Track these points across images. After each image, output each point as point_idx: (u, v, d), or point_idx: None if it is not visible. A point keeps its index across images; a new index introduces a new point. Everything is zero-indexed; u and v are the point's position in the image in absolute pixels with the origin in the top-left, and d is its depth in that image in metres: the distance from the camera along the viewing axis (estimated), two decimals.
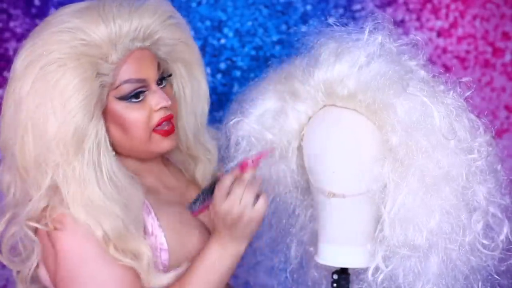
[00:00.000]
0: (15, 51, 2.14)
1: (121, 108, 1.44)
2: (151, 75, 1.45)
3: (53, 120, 1.36)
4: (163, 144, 1.48)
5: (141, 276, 1.41)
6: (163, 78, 1.50)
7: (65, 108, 1.36)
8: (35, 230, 1.43)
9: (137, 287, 1.40)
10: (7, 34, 2.15)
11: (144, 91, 1.45)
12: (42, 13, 2.15)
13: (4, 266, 2.04)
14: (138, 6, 1.45)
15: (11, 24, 2.15)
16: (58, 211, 1.39)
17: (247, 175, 1.42)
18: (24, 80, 1.38)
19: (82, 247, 1.38)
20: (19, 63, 1.40)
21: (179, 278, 1.43)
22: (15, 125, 1.39)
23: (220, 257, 1.42)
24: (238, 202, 1.40)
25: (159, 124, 1.46)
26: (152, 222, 1.46)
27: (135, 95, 1.44)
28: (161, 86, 1.49)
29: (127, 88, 1.43)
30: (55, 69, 1.37)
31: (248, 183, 1.41)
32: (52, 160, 1.37)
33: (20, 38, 2.15)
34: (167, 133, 1.48)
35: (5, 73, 2.17)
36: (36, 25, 2.11)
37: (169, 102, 1.46)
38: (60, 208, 1.39)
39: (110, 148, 1.43)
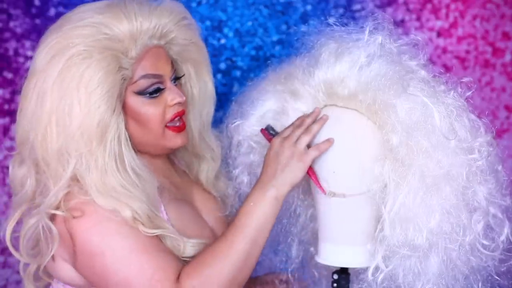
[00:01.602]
0: (15, 51, 2.15)
1: (138, 102, 1.48)
2: (167, 71, 1.51)
3: (78, 110, 1.40)
4: (176, 140, 1.53)
5: (173, 242, 1.44)
6: (177, 78, 1.55)
7: (90, 99, 1.40)
8: (53, 221, 1.45)
9: (166, 249, 1.42)
10: (7, 34, 2.15)
11: (161, 88, 1.49)
12: (42, 13, 2.15)
13: (4, 266, 2.04)
14: (157, 5, 1.51)
15: (11, 24, 2.15)
16: (77, 199, 1.42)
17: (309, 120, 1.47)
18: (48, 73, 1.41)
19: (105, 226, 1.40)
20: (41, 58, 1.44)
21: (224, 231, 1.45)
22: (38, 117, 1.42)
23: (260, 200, 1.42)
24: (294, 141, 1.44)
25: (172, 120, 1.51)
26: (161, 216, 1.47)
27: (153, 91, 1.48)
28: (174, 84, 1.53)
29: (144, 83, 1.48)
30: (80, 61, 1.41)
31: (307, 127, 1.46)
32: (75, 150, 1.41)
33: (20, 38, 2.15)
34: (179, 129, 1.53)
35: (5, 73, 2.17)
36: (36, 25, 2.12)
37: (184, 98, 1.51)
38: (79, 196, 1.41)
39: (129, 141, 1.47)
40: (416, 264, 1.42)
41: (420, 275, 1.42)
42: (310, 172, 1.47)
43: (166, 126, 1.51)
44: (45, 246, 1.45)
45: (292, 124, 1.49)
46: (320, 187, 1.47)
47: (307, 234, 1.67)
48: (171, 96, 1.50)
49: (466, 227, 1.40)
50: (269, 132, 1.52)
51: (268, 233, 1.43)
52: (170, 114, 1.50)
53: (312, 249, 1.68)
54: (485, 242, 1.42)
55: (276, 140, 1.45)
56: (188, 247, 1.46)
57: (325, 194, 1.48)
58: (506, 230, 1.44)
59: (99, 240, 1.40)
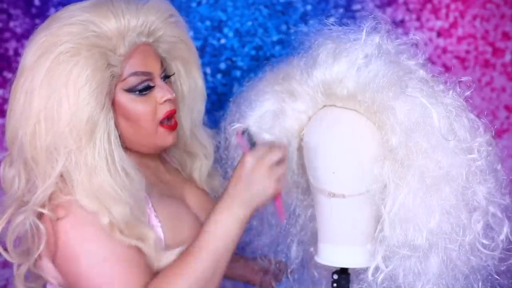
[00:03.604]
0: (15, 51, 2.15)
1: (127, 100, 1.48)
2: (156, 69, 1.51)
3: (66, 107, 1.40)
4: (167, 138, 1.53)
5: (149, 255, 1.43)
6: (167, 77, 1.55)
7: (79, 95, 1.40)
8: (40, 219, 1.45)
9: (142, 264, 1.42)
10: (7, 34, 2.16)
11: (150, 85, 1.50)
12: (42, 13, 2.15)
13: (4, 266, 2.04)
14: (144, 3, 1.52)
15: (11, 24, 2.15)
16: (62, 198, 1.42)
17: (285, 151, 1.44)
18: (36, 71, 1.42)
19: (83, 230, 1.41)
20: (29, 56, 1.44)
21: (187, 248, 1.44)
22: (26, 115, 1.42)
23: (227, 221, 1.41)
24: (269, 165, 1.40)
25: (164, 118, 1.51)
26: (149, 213, 1.48)
27: (142, 88, 1.49)
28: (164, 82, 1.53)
29: (134, 81, 1.48)
30: (68, 58, 1.41)
31: (283, 158, 1.43)
32: (64, 147, 1.41)
33: (20, 38, 2.15)
34: (171, 128, 1.53)
35: (5, 73, 2.17)
36: (36, 25, 2.11)
37: (174, 95, 1.52)
38: (65, 195, 1.42)
39: (119, 139, 1.47)
40: (416, 264, 1.42)
41: (420, 275, 1.42)
42: (278, 196, 1.45)
43: (160, 123, 1.51)
44: (32, 244, 1.45)
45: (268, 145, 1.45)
46: (281, 214, 1.46)
47: (306, 235, 1.67)
48: (161, 93, 1.50)
49: (466, 227, 1.40)
50: (246, 139, 1.45)
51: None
52: (161, 112, 1.50)
53: (311, 249, 1.68)
54: (484, 241, 1.42)
55: (251, 160, 1.41)
56: (164, 260, 1.45)
57: (283, 222, 1.46)
58: (505, 229, 1.44)
59: (77, 245, 1.40)
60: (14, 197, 1.48)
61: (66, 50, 1.41)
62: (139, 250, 1.43)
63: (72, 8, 1.48)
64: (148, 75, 1.49)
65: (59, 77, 1.40)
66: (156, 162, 1.62)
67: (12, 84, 1.47)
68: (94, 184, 1.41)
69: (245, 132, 1.44)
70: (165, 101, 1.50)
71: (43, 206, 1.43)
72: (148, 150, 1.55)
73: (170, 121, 1.53)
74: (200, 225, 1.56)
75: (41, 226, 1.43)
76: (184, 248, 1.46)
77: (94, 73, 1.42)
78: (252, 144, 1.44)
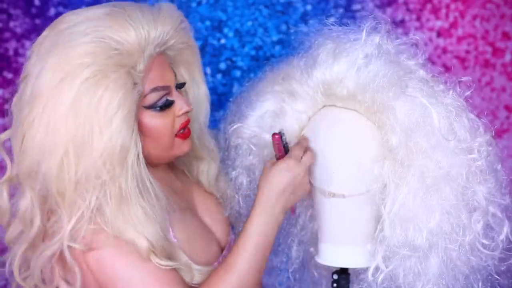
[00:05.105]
0: (15, 51, 2.15)
1: (148, 117, 1.42)
2: (172, 81, 1.46)
3: (99, 137, 1.31)
4: (183, 147, 1.49)
5: (186, 272, 1.44)
6: (181, 85, 1.51)
7: (111, 124, 1.31)
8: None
9: (180, 282, 1.40)
10: (7, 34, 2.16)
11: (169, 100, 1.44)
12: (42, 13, 2.15)
13: (4, 266, 2.04)
14: (158, 12, 1.43)
15: (11, 24, 2.15)
16: (92, 229, 1.35)
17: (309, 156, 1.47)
18: (59, 98, 1.30)
19: (120, 259, 1.36)
20: (45, 81, 1.31)
21: (229, 253, 1.45)
22: (50, 148, 1.31)
23: (267, 224, 1.42)
24: (306, 169, 1.45)
25: (180, 129, 1.48)
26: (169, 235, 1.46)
27: (163, 105, 1.42)
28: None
29: (155, 97, 1.41)
30: (96, 83, 1.30)
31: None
32: (96, 178, 1.32)
33: (20, 38, 2.15)
34: (185, 136, 1.49)
35: (5, 73, 2.17)
36: (36, 25, 2.12)
37: (191, 106, 1.48)
38: (94, 226, 1.35)
39: (143, 158, 1.41)
40: (416, 264, 1.42)
41: (420, 275, 1.42)
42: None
43: (175, 135, 1.47)
44: (51, 275, 1.41)
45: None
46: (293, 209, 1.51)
47: (307, 235, 1.67)
48: (178, 106, 1.45)
49: (466, 227, 1.40)
50: (281, 142, 1.48)
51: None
52: (177, 124, 1.46)
53: (312, 249, 1.68)
54: (485, 241, 1.42)
55: (292, 167, 1.44)
56: (197, 275, 1.46)
57: (295, 216, 1.50)
58: (505, 229, 1.44)
59: (114, 272, 1.36)
60: (32, 235, 1.39)
61: (93, 74, 1.30)
62: (175, 270, 1.41)
63: (81, 19, 1.36)
64: (167, 88, 1.43)
65: (89, 104, 1.29)
66: (168, 171, 1.59)
67: (22, 112, 1.34)
68: (125, 210, 1.35)
69: (282, 135, 1.48)
70: (182, 113, 1.46)
71: (70, 239, 1.35)
72: (165, 161, 1.52)
73: (184, 130, 1.49)
74: (211, 235, 1.57)
75: (73, 262, 1.36)
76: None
77: (125, 96, 1.32)
78: (285, 144, 1.48)
